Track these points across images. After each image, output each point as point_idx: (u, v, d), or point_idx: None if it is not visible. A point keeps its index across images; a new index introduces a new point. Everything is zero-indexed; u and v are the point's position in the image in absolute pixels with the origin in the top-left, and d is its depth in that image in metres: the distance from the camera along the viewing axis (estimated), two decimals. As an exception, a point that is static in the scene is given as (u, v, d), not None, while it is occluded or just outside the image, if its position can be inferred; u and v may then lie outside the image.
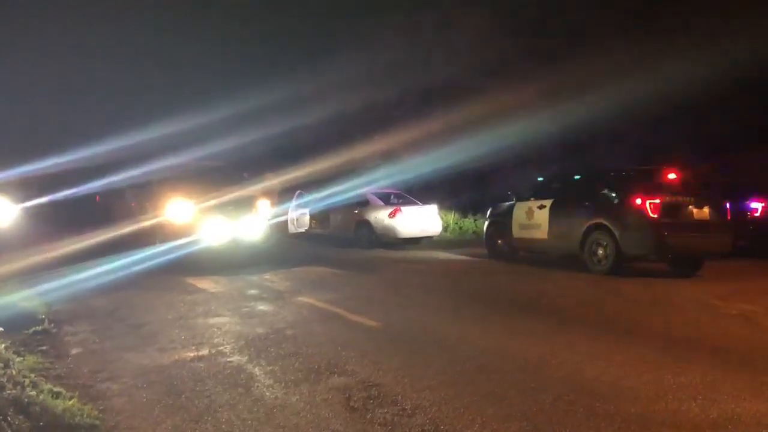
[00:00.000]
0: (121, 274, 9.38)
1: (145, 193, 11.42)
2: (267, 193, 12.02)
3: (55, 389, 4.14)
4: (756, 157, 17.39)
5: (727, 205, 10.86)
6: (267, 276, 10.05)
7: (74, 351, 5.46)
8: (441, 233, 17.38)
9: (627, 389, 4.41)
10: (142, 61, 23.40)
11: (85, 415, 3.76)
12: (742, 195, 13.56)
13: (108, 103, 21.08)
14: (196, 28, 22.89)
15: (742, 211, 13.38)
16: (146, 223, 10.80)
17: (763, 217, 13.81)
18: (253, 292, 8.60)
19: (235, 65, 23.55)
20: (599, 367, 4.97)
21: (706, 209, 10.51)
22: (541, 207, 11.83)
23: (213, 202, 10.91)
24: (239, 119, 18.58)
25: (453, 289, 9.57)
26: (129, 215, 11.13)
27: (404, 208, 15.87)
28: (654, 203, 10.07)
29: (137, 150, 12.70)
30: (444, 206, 19.53)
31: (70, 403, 3.91)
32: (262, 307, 7.52)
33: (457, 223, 20.99)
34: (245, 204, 11.36)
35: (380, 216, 15.75)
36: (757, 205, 13.88)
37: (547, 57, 21.02)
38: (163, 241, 10.49)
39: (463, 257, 13.90)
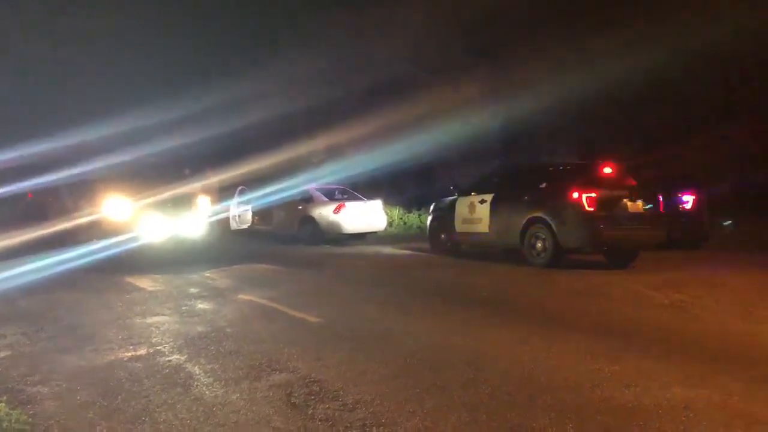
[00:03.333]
0: (55, 272, 9.11)
1: (81, 190, 11.08)
2: (208, 190, 11.84)
3: (-18, 394, 3.98)
4: (687, 151, 18.06)
5: (660, 197, 11.24)
6: (207, 274, 9.89)
7: (2, 354, 5.26)
8: (386, 228, 17.45)
9: (564, 379, 4.52)
10: (79, 57, 22.66)
11: (13, 420, 3.63)
12: (674, 188, 14.03)
13: (43, 101, 20.31)
14: (135, 25, 22.29)
15: (674, 204, 13.86)
16: (82, 220, 10.48)
17: (693, 209, 14.34)
18: (193, 290, 8.45)
19: (176, 62, 23.02)
20: (537, 358, 5.07)
21: (640, 202, 10.85)
22: (483, 201, 12.00)
23: (152, 199, 10.68)
24: (181, 116, 18.21)
25: (396, 283, 9.62)
26: (64, 212, 10.79)
27: (349, 204, 15.86)
28: (590, 197, 10.34)
29: (73, 147, 12.30)
30: (389, 202, 19.62)
31: (-2, 408, 3.76)
32: (202, 305, 7.40)
33: (401, 218, 21.11)
34: (185, 201, 11.17)
35: (325, 212, 15.70)
36: (688, 198, 14.39)
37: (488, 53, 21.32)
38: (100, 238, 10.21)
39: (408, 252, 13.98)
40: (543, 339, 5.70)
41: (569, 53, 19.38)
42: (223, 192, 13.05)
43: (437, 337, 5.79)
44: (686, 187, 14.40)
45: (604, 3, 20.57)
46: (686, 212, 14.20)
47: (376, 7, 22.33)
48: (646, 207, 10.86)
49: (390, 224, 18.82)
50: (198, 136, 17.04)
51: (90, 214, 10.50)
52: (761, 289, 8.66)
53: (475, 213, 12.15)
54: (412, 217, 21.18)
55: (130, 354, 5.21)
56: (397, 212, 20.91)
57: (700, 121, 20.13)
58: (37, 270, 9.02)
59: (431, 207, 14.17)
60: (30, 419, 3.74)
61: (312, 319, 6.57)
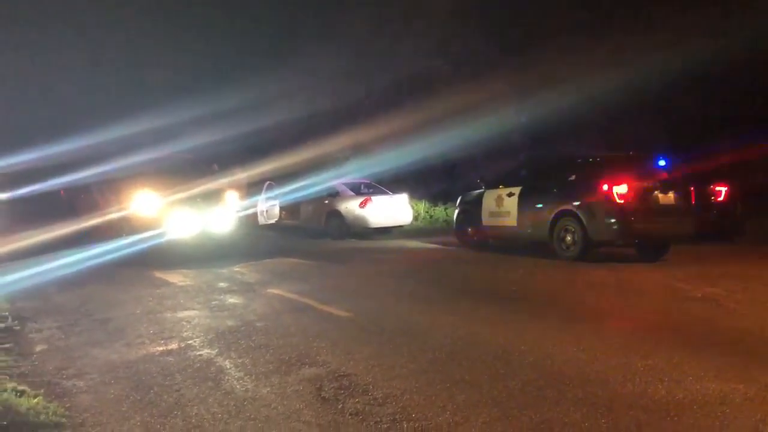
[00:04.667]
0: (87, 268, 9.25)
1: (111, 186, 11.22)
2: (236, 185, 11.92)
3: (19, 387, 4.07)
4: (720, 143, 17.70)
5: (692, 189, 11.04)
6: (237, 268, 9.97)
7: (39, 348, 5.36)
8: (412, 222, 17.42)
9: (595, 373, 4.47)
10: (111, 58, 23.01)
11: (50, 413, 3.70)
12: (706, 180, 13.79)
13: (76, 100, 20.66)
14: (166, 25, 22.52)
15: (706, 196, 13.61)
16: (112, 216, 10.63)
17: (726, 201, 14.08)
18: (222, 284, 8.52)
19: (204, 61, 23.24)
20: (568, 352, 5.02)
21: (671, 194, 10.67)
22: (510, 194, 11.90)
23: (181, 194, 10.79)
24: (209, 114, 18.40)
25: (423, 277, 9.60)
26: (95, 209, 10.94)
27: (375, 198, 15.86)
28: (620, 189, 10.20)
29: (104, 146, 12.51)
30: (415, 195, 19.58)
31: (35, 401, 3.84)
32: (231, 299, 7.46)
33: (427, 212, 21.06)
34: (214, 196, 11.25)
35: (351, 206, 15.72)
36: (720, 189, 14.13)
37: (515, 48, 21.12)
38: (130, 234, 10.34)
39: (434, 246, 13.94)
40: (573, 333, 5.64)
41: (598, 48, 19.11)
42: (251, 187, 13.13)
43: (465, 331, 5.76)
44: (719, 180, 14.13)
45: None
46: (719, 205, 13.94)
47: (401, 2, 22.28)
48: (677, 199, 10.67)
49: (416, 218, 18.79)
50: (226, 133, 17.22)
51: (119, 210, 10.64)
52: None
53: (503, 206, 12.06)
54: (438, 211, 21.11)
55: (161, 348, 5.28)
56: (422, 206, 20.86)
57: (735, 114, 19.73)
58: (70, 265, 9.18)
59: (458, 200, 14.10)
60: (66, 412, 3.80)
61: (341, 313, 6.58)
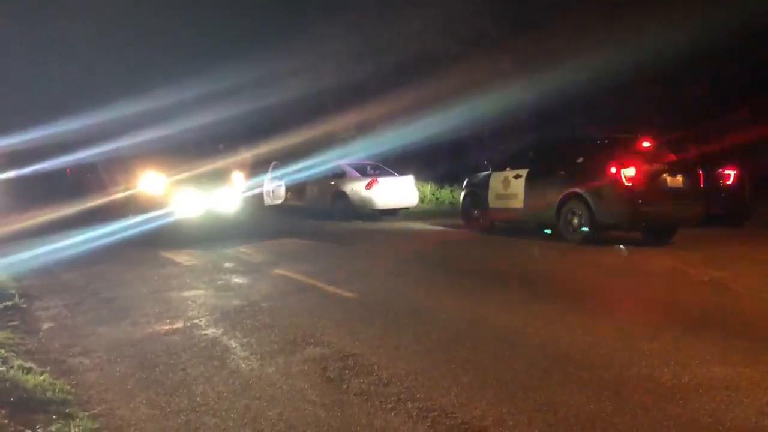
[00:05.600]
0: (93, 246, 9.27)
1: (117, 165, 11.22)
2: (242, 166, 11.90)
3: (26, 365, 4.08)
4: (729, 125, 17.52)
5: (700, 172, 10.96)
6: (242, 249, 9.98)
7: (46, 326, 5.38)
8: (418, 204, 17.40)
9: (601, 356, 4.46)
10: (116, 35, 22.86)
11: (57, 390, 3.71)
12: (715, 162, 13.68)
13: (80, 78, 20.58)
14: (169, 3, 22.36)
15: (714, 179, 13.51)
16: (119, 196, 10.65)
17: (735, 184, 13.98)
18: (228, 264, 8.53)
19: (209, 40, 23.10)
20: (573, 334, 5.01)
21: (679, 177, 10.59)
22: (517, 176, 11.84)
23: (187, 174, 10.78)
24: (215, 92, 18.30)
25: (429, 259, 9.59)
26: (101, 188, 10.96)
27: (381, 180, 15.83)
28: (628, 171, 10.13)
29: (110, 124, 12.47)
30: (421, 177, 19.54)
31: (42, 378, 3.85)
32: (237, 279, 7.47)
33: (433, 194, 21.03)
34: (220, 176, 11.24)
35: (357, 187, 15.70)
36: (729, 172, 14.02)
37: (520, 26, 20.90)
38: (136, 213, 10.35)
39: (440, 228, 13.92)
40: (579, 315, 5.62)
41: (606, 26, 18.87)
42: (257, 167, 13.11)
43: (471, 313, 5.75)
44: (728, 162, 14.01)
45: None
46: (727, 188, 13.84)
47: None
48: (685, 182, 10.60)
49: (422, 200, 18.77)
50: (232, 113, 17.14)
51: (126, 190, 10.65)
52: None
53: (510, 188, 12.00)
54: (444, 193, 21.07)
55: (167, 327, 5.29)
56: (429, 188, 20.83)
57: (744, 95, 19.47)
58: (77, 244, 9.20)
59: (464, 182, 14.04)
60: (72, 389, 3.82)
61: (346, 294, 6.58)
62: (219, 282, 7.29)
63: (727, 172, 13.98)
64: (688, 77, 20.42)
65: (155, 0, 22.37)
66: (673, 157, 10.86)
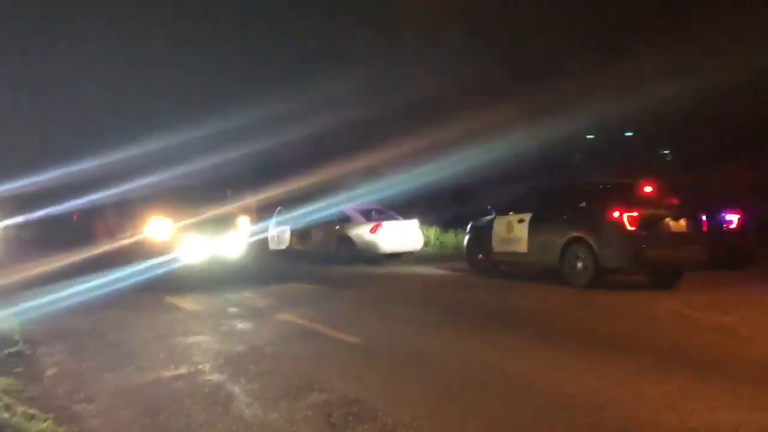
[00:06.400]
0: (99, 293, 9.27)
1: (124, 211, 11.32)
2: (247, 210, 11.97)
3: (30, 411, 4.07)
4: (731, 170, 17.64)
5: (703, 217, 10.98)
6: (247, 294, 9.98)
7: (50, 372, 5.38)
8: (422, 248, 17.38)
9: (607, 401, 4.42)
10: (122, 79, 23.31)
11: (60, 438, 3.70)
12: (717, 207, 13.71)
13: (87, 122, 20.92)
14: (177, 47, 22.89)
15: (718, 223, 13.52)
16: (125, 242, 10.72)
17: (738, 228, 13.97)
18: (232, 310, 8.53)
19: (217, 83, 23.52)
20: (580, 379, 4.98)
21: (682, 222, 10.61)
22: (521, 221, 11.88)
23: (192, 219, 10.86)
24: (220, 137, 18.52)
25: (434, 303, 9.56)
26: (108, 234, 11.04)
27: (385, 223, 15.87)
28: (631, 216, 10.15)
29: (116, 168, 12.61)
30: (425, 221, 19.55)
31: (45, 425, 3.84)
32: (241, 325, 7.47)
33: (438, 238, 21.00)
34: (225, 221, 11.31)
35: (361, 231, 15.73)
36: (732, 217, 14.03)
37: (525, 75, 21.26)
38: (143, 259, 10.39)
39: (445, 272, 13.91)
40: (585, 360, 5.59)
41: (608, 74, 19.21)
42: (262, 212, 13.19)
43: (476, 358, 5.73)
44: (731, 207, 14.04)
45: (644, 28, 20.38)
46: (731, 232, 13.84)
47: (414, 27, 22.51)
48: (689, 226, 10.61)
49: (426, 244, 18.73)
50: (237, 156, 17.27)
51: (133, 236, 10.72)
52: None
53: (513, 232, 12.03)
54: (449, 237, 21.05)
55: (171, 373, 5.28)
56: (433, 232, 20.82)
57: (748, 140, 19.68)
58: (83, 291, 9.20)
59: (468, 226, 14.08)
60: (75, 436, 3.81)
61: (351, 339, 6.56)
62: (223, 327, 7.29)
63: (731, 216, 13.99)
64: (694, 123, 20.65)
65: (163, 44, 22.84)
66: (676, 201, 10.89)
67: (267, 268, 13.25)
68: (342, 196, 17.36)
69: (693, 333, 7.06)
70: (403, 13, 23.32)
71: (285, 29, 24.20)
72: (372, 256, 15.72)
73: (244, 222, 11.65)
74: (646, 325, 7.62)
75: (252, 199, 12.58)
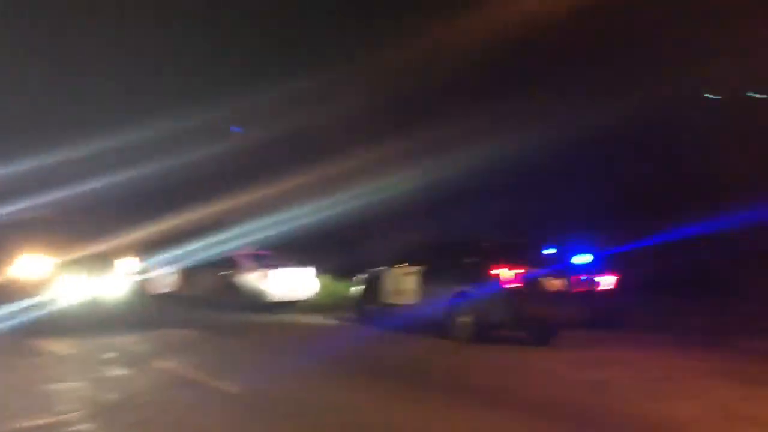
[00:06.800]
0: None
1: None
2: (130, 250, 11.49)
3: None
4: (607, 230, 18.71)
5: (580, 277, 11.65)
6: (125, 338, 9.54)
7: None
8: (313, 297, 17.27)
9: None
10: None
11: None
12: (594, 267, 14.57)
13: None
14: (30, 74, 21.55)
15: (593, 283, 14.36)
16: None
17: (612, 288, 14.87)
18: (109, 355, 8.11)
19: (88, 107, 22.18)
20: (455, 433, 5.10)
21: (560, 281, 11.21)
22: (411, 274, 12.13)
23: (70, 257, 10.29)
24: (101, 163, 17.62)
25: (319, 354, 9.48)
26: None
27: (276, 271, 15.66)
28: (512, 274, 10.63)
29: None
30: (319, 269, 19.46)
31: None
32: (117, 371, 7.12)
33: (329, 287, 20.96)
34: (106, 261, 10.79)
35: (251, 278, 15.45)
36: (607, 277, 14.93)
37: (409, 120, 21.65)
38: (11, 300, 9.68)
39: (333, 322, 13.89)
40: (463, 415, 5.74)
41: (495, 126, 19.98)
42: (147, 252, 12.69)
43: (357, 411, 5.74)
44: (605, 267, 14.95)
45: (530, 73, 21.38)
46: (605, 292, 14.70)
47: (288, 74, 22.47)
48: (566, 285, 11.22)
49: (318, 293, 18.64)
50: (119, 192, 16.49)
51: (2, 274, 10.00)
52: (668, 369, 9.01)
53: (403, 285, 12.25)
54: (341, 286, 21.04)
55: (31, 423, 4.93)
56: (325, 280, 20.76)
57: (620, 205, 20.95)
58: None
59: (360, 277, 14.19)
60: None
61: (231, 389, 6.40)
62: (97, 373, 6.92)
63: (605, 276, 14.89)
64: (571, 182, 21.79)
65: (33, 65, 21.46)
66: (554, 260, 11.50)
67: (150, 312, 12.70)
68: (233, 232, 16.97)
69: (568, 389, 7.40)
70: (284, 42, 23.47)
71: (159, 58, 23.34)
72: (260, 304, 15.43)
73: (126, 262, 11.16)
74: (524, 380, 7.93)
75: (136, 238, 12.09)
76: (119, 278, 10.90)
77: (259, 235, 17.81)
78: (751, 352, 10.90)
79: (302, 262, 16.62)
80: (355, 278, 14.03)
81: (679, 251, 18.60)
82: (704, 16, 17.83)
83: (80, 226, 11.49)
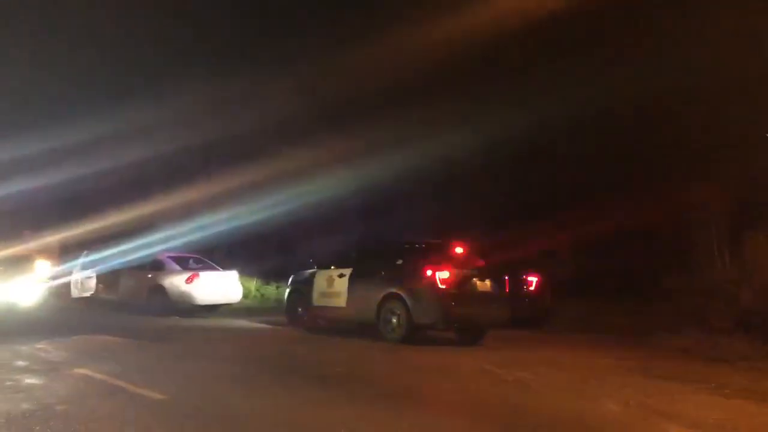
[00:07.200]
0: None
1: None
2: (47, 251, 11.00)
3: None
4: (531, 233, 19.19)
5: (506, 278, 11.90)
6: (41, 345, 9.07)
7: None
8: (242, 300, 16.98)
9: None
10: None
11: None
12: (519, 269, 14.94)
13: None
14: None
15: (519, 284, 14.72)
16: None
17: (537, 290, 15.30)
18: (21, 363, 7.69)
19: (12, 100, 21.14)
20: (386, 435, 5.08)
21: (488, 282, 11.42)
22: (341, 275, 12.08)
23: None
24: (17, 163, 16.76)
25: (248, 359, 9.32)
26: None
27: (202, 274, 15.30)
28: (442, 275, 10.75)
29: None
30: (246, 272, 19.12)
31: None
32: (30, 380, 6.75)
33: (258, 290, 20.67)
34: (20, 263, 10.31)
35: (176, 281, 15.02)
36: (532, 279, 15.35)
37: (340, 123, 21.68)
38: None
39: (263, 325, 13.67)
40: (393, 417, 5.72)
41: (419, 126, 20.22)
42: (65, 254, 12.18)
43: (289, 416, 5.64)
44: (530, 270, 15.37)
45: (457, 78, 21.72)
46: (530, 293, 15.10)
47: (229, 75, 22.15)
48: (493, 287, 11.44)
49: (246, 296, 18.31)
50: (37, 189, 15.73)
51: None
52: (592, 367, 9.32)
53: (333, 287, 12.18)
54: (270, 289, 20.80)
55: (-64, 437, 4.62)
56: (254, 284, 20.45)
57: (543, 206, 21.52)
58: None
59: (290, 279, 14.03)
60: None
61: (156, 395, 6.17)
62: (7, 383, 6.53)
63: (530, 278, 15.29)
64: (495, 185, 22.25)
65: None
66: (482, 263, 11.70)
67: (67, 317, 12.17)
68: (157, 239, 16.52)
69: (494, 388, 7.55)
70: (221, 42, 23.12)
71: (93, 60, 22.55)
72: (186, 308, 15.03)
73: (42, 264, 10.68)
74: (452, 380, 8.02)
75: (53, 239, 11.60)
76: (36, 282, 10.41)
77: (185, 239, 17.40)
78: (668, 349, 11.44)
79: (226, 266, 16.33)
80: (290, 280, 13.85)
81: (599, 252, 19.37)
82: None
83: None
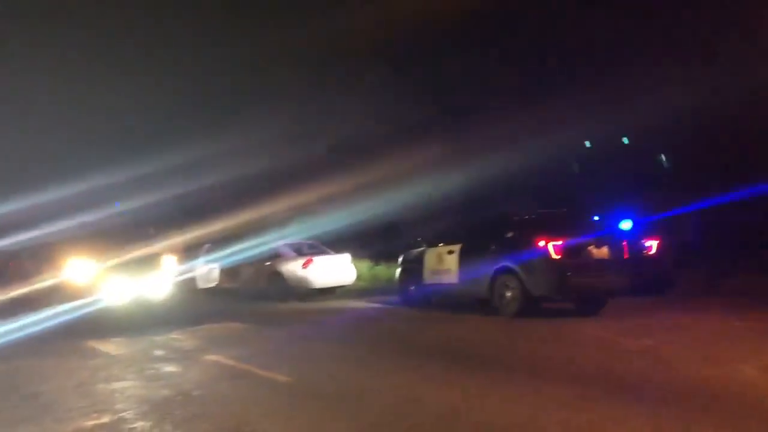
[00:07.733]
0: (14, 339, 8.81)
1: (42, 253, 10.85)
2: (173, 249, 11.69)
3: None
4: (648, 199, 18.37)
5: (625, 244, 11.40)
6: (173, 335, 9.67)
7: (-43, 428, 5.04)
8: (355, 282, 17.32)
9: (539, 429, 4.48)
10: (42, 119, 22.51)
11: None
12: (638, 234, 14.27)
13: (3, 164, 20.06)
14: (100, 84, 22.25)
15: (638, 250, 14.06)
16: (43, 284, 10.24)
17: (657, 255, 14.56)
18: (158, 352, 8.24)
19: (141, 123, 22.98)
20: (511, 409, 5.03)
21: (605, 249, 10.97)
22: (451, 252, 12.03)
23: (116, 260, 10.51)
24: (147, 175, 18.10)
25: (365, 338, 9.51)
26: (25, 276, 10.53)
27: (317, 258, 15.74)
28: (556, 245, 10.44)
29: (34, 210, 12.14)
30: (357, 255, 19.53)
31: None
32: (168, 368, 7.22)
33: (370, 271, 21.02)
34: (150, 261, 11.01)
35: (293, 267, 15.54)
36: (652, 243, 14.62)
37: (452, 113, 21.75)
38: (62, 302, 9.94)
39: (377, 305, 13.89)
40: (516, 390, 5.66)
41: (531, 112, 19.90)
42: (189, 251, 12.89)
43: (408, 392, 5.71)
44: (650, 233, 14.64)
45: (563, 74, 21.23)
46: (651, 258, 14.40)
47: (341, 66, 22.68)
48: (611, 253, 10.99)
49: (359, 277, 18.68)
50: (164, 196, 16.89)
51: (51, 278, 10.27)
52: (722, 332, 8.79)
53: (444, 263, 12.16)
54: (381, 270, 21.11)
55: (92, 422, 5.03)
56: (365, 265, 20.83)
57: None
58: (-3, 338, 8.75)
59: (400, 258, 14.14)
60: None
61: (281, 378, 6.44)
62: (148, 371, 7.02)
63: (649, 242, 14.57)
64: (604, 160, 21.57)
65: (85, 82, 22.13)
66: (598, 229, 11.28)
67: (194, 307, 12.90)
68: (273, 234, 17.17)
69: (617, 358, 7.27)
70: (328, 52, 23.58)
71: (213, 67, 23.92)
72: (304, 292, 15.53)
73: (169, 261, 11.36)
74: (574, 351, 7.80)
75: (178, 238, 12.32)
76: (164, 277, 11.09)
77: (303, 232, 18.10)
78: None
79: (340, 250, 16.70)
80: (400, 260, 13.98)
81: (718, 215, 18.21)
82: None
83: (127, 231, 11.74)
